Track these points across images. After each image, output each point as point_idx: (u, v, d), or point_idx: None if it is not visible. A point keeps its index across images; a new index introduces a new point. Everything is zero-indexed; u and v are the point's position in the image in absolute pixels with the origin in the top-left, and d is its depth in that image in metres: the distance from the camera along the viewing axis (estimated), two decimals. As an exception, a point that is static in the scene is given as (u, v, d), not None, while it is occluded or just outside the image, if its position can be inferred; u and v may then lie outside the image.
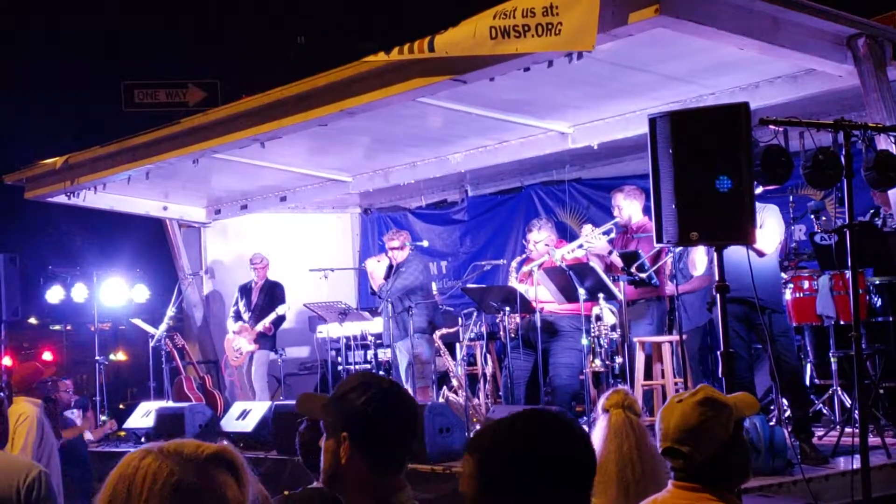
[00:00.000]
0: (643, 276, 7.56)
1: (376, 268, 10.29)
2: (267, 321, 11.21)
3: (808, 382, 8.32)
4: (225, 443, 1.93)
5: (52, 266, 14.36)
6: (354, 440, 2.69)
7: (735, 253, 5.96)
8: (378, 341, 10.93)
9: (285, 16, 21.57)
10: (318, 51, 19.11)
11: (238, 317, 11.55)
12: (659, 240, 5.45)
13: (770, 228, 6.91)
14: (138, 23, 21.86)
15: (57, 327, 22.52)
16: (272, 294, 11.43)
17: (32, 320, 22.01)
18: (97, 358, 12.69)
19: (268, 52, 21.27)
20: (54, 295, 13.88)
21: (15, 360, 14.53)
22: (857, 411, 7.39)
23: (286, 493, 3.90)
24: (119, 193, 11.64)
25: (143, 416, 10.53)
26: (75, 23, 21.90)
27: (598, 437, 4.43)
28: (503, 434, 2.26)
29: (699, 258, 7.09)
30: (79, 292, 13.74)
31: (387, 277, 10.09)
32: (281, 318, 11.40)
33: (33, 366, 7.96)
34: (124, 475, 1.85)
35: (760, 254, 6.69)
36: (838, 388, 7.96)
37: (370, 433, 2.69)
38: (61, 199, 11.41)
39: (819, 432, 7.64)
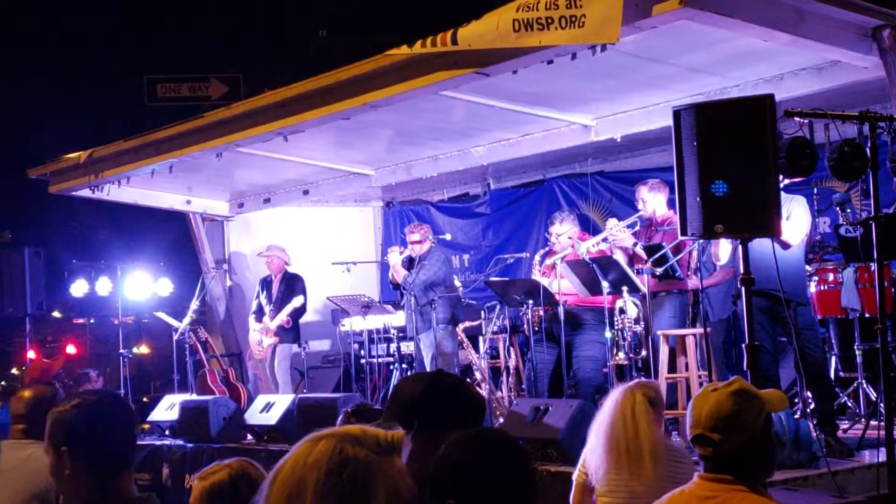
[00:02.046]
0: (659, 271, 7.54)
1: (398, 260, 10.31)
2: (283, 315, 11.23)
3: (832, 375, 8.28)
4: (398, 429, 1.91)
5: (77, 260, 14.47)
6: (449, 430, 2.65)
7: (759, 245, 5.94)
8: (401, 335, 10.95)
9: (307, 9, 21.59)
10: (341, 44, 19.12)
11: (260, 310, 11.58)
12: (684, 232, 5.44)
13: (797, 220, 6.88)
14: (161, 17, 21.94)
15: (81, 321, 22.65)
16: (291, 286, 11.44)
17: (56, 314, 22.14)
18: (121, 351, 12.76)
19: (290, 46, 21.30)
20: (78, 288, 13.99)
21: (39, 354, 14.64)
22: (882, 404, 7.36)
23: None
24: (143, 187, 11.68)
25: (168, 409, 10.57)
26: (98, 17, 21.99)
27: (600, 414, 4.61)
28: (446, 446, 2.44)
29: (723, 249, 7.07)
30: (103, 286, 13.84)
31: (409, 269, 10.10)
32: (300, 311, 11.39)
33: (41, 364, 8.01)
34: (307, 462, 1.84)
35: (786, 245, 6.66)
36: (863, 381, 7.94)
37: (460, 419, 2.68)
38: (85, 193, 11.46)
39: (844, 425, 7.61)
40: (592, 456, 4.61)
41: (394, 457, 1.85)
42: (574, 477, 4.79)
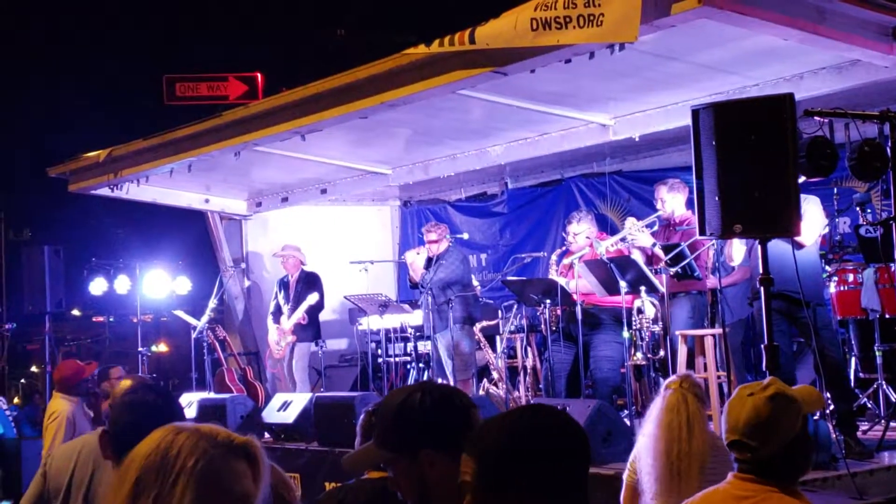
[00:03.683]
0: (673, 270, 7.52)
1: (416, 259, 10.32)
2: (299, 312, 11.24)
3: (852, 376, 8.24)
4: (252, 437, 2.05)
5: (96, 258, 14.52)
6: (439, 448, 2.54)
7: (775, 247, 5.90)
8: (418, 334, 10.94)
9: (325, 9, 21.62)
10: (359, 43, 19.14)
11: (278, 310, 11.59)
12: (702, 232, 5.42)
13: (811, 220, 6.83)
14: (179, 16, 22.01)
15: (100, 319, 22.75)
16: (309, 285, 11.45)
17: (76, 312, 22.27)
18: (140, 349, 12.80)
19: (308, 45, 21.35)
20: (97, 287, 14.04)
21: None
22: (902, 405, 7.33)
23: (334, 485, 3.89)
24: (161, 186, 11.72)
25: (185, 407, 10.55)
26: (117, 17, 22.08)
27: (653, 413, 4.47)
28: (499, 429, 2.27)
29: (736, 250, 7.04)
30: (121, 284, 13.89)
31: (427, 268, 10.10)
32: (316, 308, 11.39)
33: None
34: (159, 448, 1.96)
35: (800, 245, 6.62)
36: (883, 382, 7.90)
37: (445, 437, 2.54)
38: (104, 191, 11.51)
39: (864, 426, 7.56)
40: (641, 462, 4.52)
41: (241, 459, 1.99)
42: (624, 476, 4.73)
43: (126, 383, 4.53)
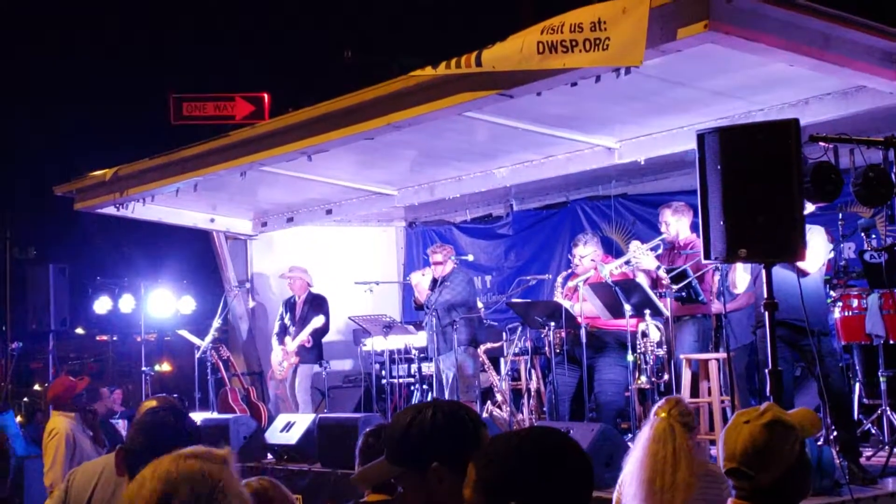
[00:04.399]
0: (675, 289, 7.52)
1: (421, 280, 10.31)
2: (304, 335, 11.23)
3: (856, 402, 8.22)
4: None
5: (101, 277, 14.55)
6: (448, 463, 2.57)
7: (779, 275, 5.90)
8: (422, 355, 10.93)
9: (332, 31, 21.72)
10: (366, 65, 19.20)
11: (283, 330, 11.58)
12: (707, 256, 5.42)
13: (814, 249, 6.83)
14: (186, 36, 22.12)
15: (103, 338, 22.78)
16: (315, 307, 11.45)
17: (80, 330, 22.29)
18: (143, 368, 12.80)
19: (315, 67, 21.42)
20: (102, 305, 14.06)
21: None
22: (907, 432, 7.30)
23: None
24: (167, 205, 11.75)
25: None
26: (124, 35, 22.19)
27: (639, 441, 4.43)
28: (505, 446, 2.29)
29: (740, 277, 7.03)
30: (126, 303, 13.91)
31: (432, 289, 10.09)
32: (321, 331, 11.38)
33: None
34: (199, 469, 2.22)
35: (804, 273, 6.61)
36: (887, 408, 7.86)
37: (455, 452, 2.56)
38: (110, 210, 11.53)
39: (867, 452, 7.54)
40: (625, 487, 4.51)
41: (231, 467, 2.28)
42: (613, 496, 4.73)
43: (150, 403, 4.57)
